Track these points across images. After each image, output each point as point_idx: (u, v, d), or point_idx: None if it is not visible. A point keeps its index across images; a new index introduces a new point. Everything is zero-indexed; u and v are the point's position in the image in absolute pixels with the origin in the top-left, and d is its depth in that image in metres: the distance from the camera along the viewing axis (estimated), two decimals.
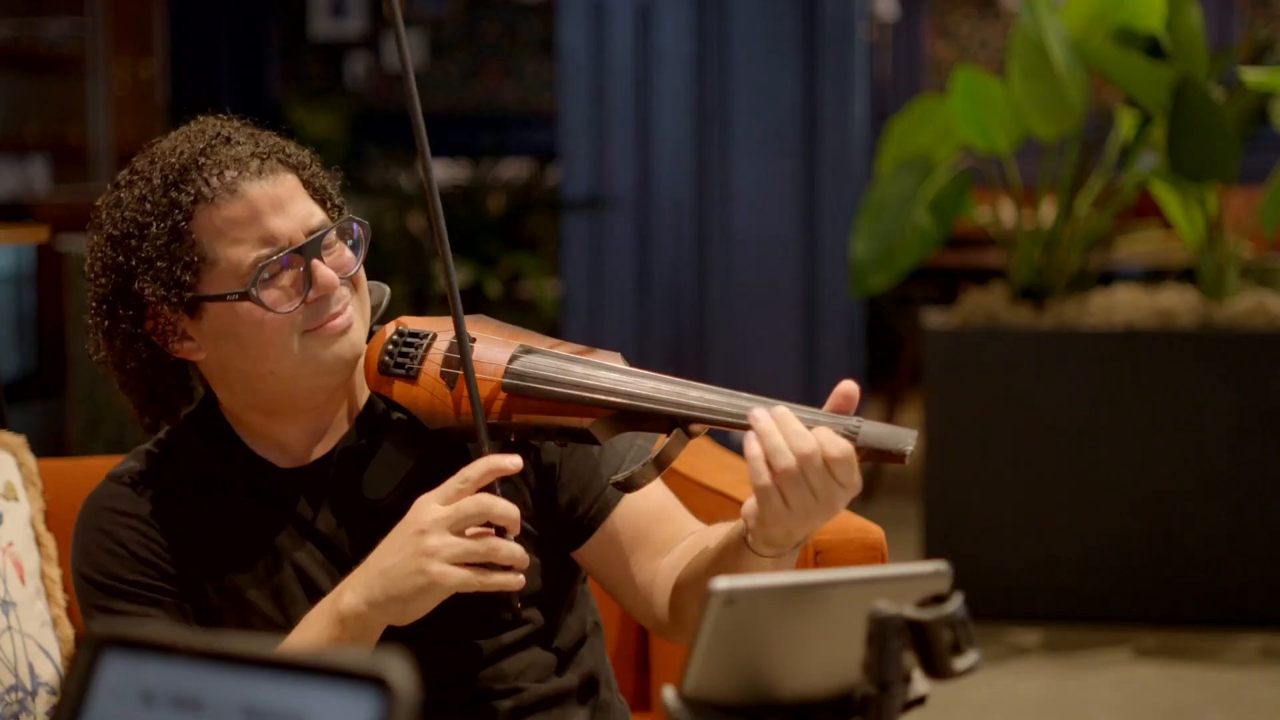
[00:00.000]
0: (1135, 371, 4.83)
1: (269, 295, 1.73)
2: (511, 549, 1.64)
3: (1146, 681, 4.39)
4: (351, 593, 1.66)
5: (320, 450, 1.83)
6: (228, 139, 1.76)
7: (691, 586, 1.73)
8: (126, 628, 1.71)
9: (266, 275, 1.73)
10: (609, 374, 1.68)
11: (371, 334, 1.81)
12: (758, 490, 1.57)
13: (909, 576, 1.29)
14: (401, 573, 1.63)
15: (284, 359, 1.75)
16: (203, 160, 1.73)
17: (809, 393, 5.86)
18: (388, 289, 1.86)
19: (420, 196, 7.42)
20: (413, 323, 1.77)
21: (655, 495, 1.86)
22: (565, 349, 1.72)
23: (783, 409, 1.58)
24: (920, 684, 1.27)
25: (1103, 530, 4.85)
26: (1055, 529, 4.86)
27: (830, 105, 5.78)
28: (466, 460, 1.70)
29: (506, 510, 1.64)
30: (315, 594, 1.79)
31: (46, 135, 8.87)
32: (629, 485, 1.66)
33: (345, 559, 1.80)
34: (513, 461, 1.67)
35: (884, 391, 7.31)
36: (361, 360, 1.79)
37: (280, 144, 1.79)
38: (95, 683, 0.89)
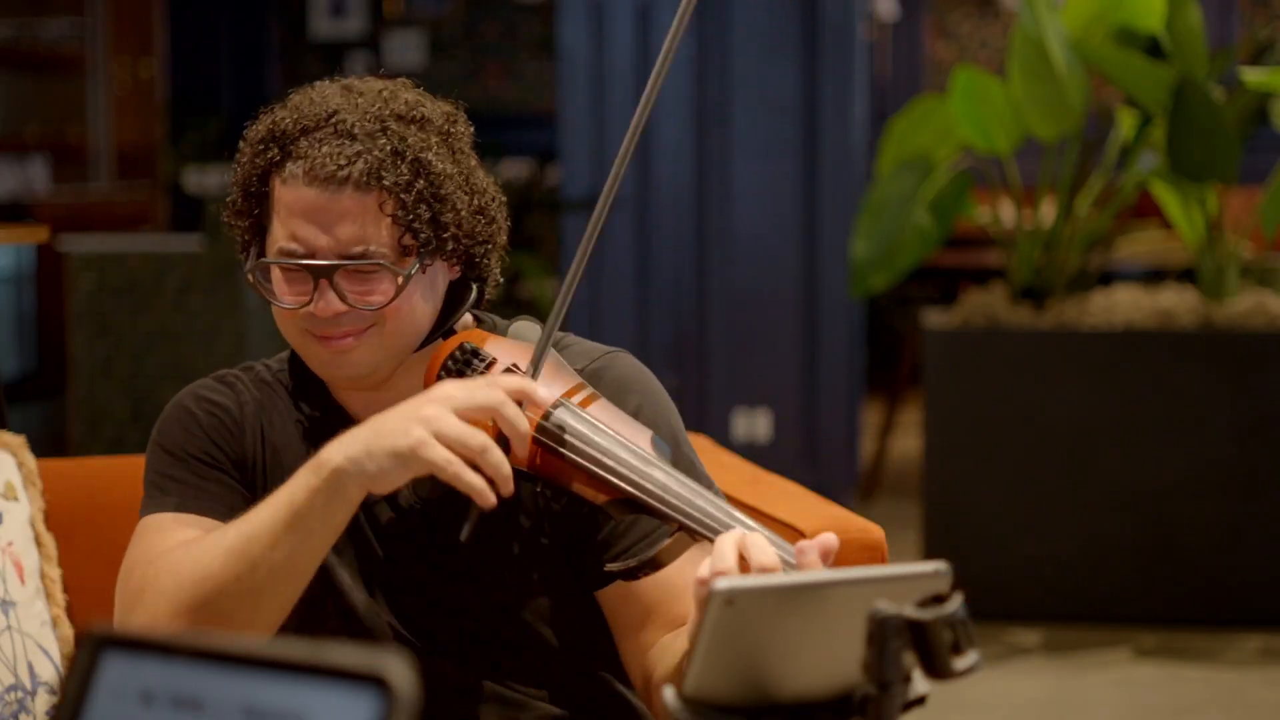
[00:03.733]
0: (1135, 371, 4.83)
1: (278, 285, 1.76)
2: (500, 460, 1.58)
3: (1146, 681, 4.39)
4: (337, 444, 1.62)
5: None
6: (336, 127, 1.74)
7: (662, 681, 1.71)
8: (183, 498, 1.79)
9: (286, 268, 1.75)
10: (632, 461, 1.65)
11: (449, 333, 1.82)
12: (695, 590, 1.51)
13: (909, 576, 1.29)
14: (388, 429, 1.59)
15: (292, 343, 1.81)
16: (300, 133, 1.75)
17: (809, 392, 5.87)
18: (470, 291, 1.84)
19: None
20: (478, 340, 1.76)
21: (684, 570, 1.79)
22: (604, 415, 1.69)
23: (758, 537, 1.54)
24: (920, 684, 1.27)
25: (1103, 530, 4.85)
26: (1055, 529, 4.86)
27: (830, 105, 5.78)
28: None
29: (515, 417, 1.60)
30: (354, 535, 1.81)
31: (46, 135, 8.87)
32: (627, 575, 1.68)
33: (373, 517, 1.83)
34: (543, 395, 1.65)
35: (884, 391, 7.31)
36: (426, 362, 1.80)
37: (387, 157, 1.74)
38: (95, 682, 0.89)
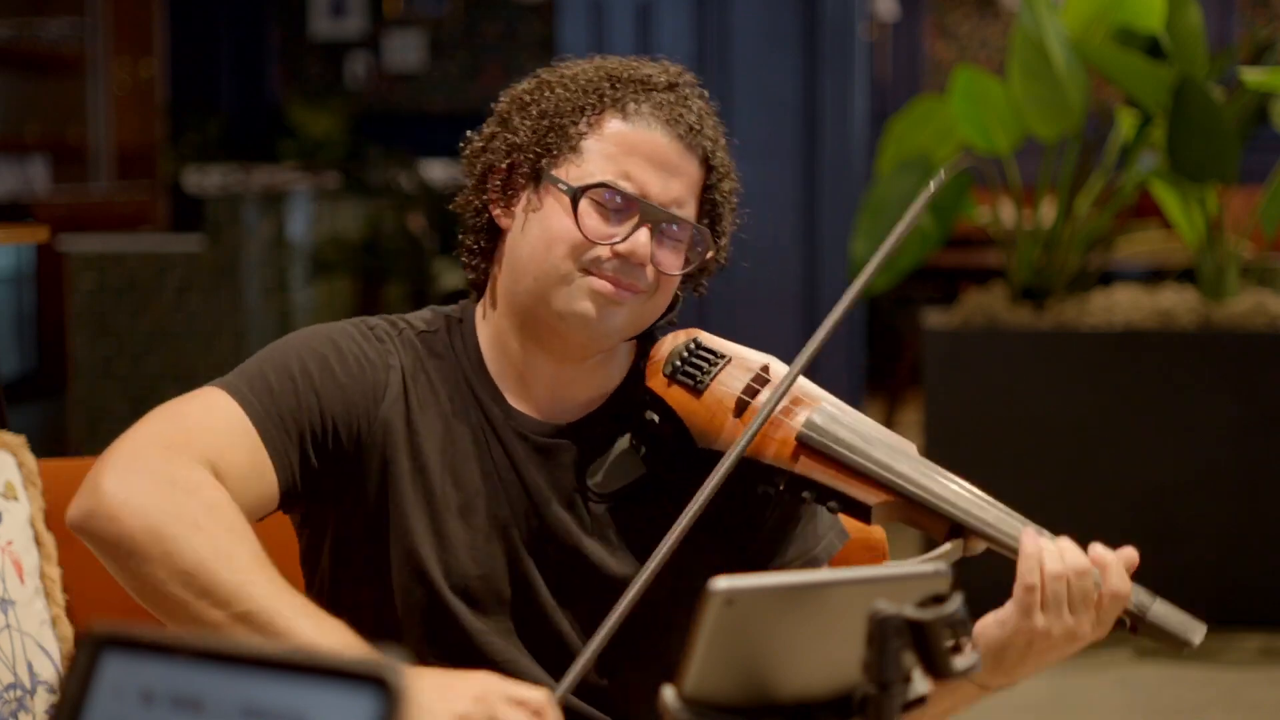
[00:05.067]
0: (1135, 371, 4.83)
1: (588, 212, 1.70)
2: None
3: (1147, 681, 4.39)
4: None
5: (561, 418, 1.77)
6: (684, 98, 1.76)
7: None
8: (264, 420, 1.65)
9: (603, 201, 1.71)
10: (911, 463, 1.67)
11: (655, 336, 1.79)
12: (1020, 597, 1.61)
13: (909, 576, 1.29)
14: (417, 700, 1.50)
15: (548, 274, 1.71)
16: (650, 87, 1.74)
17: None
18: (679, 296, 1.82)
19: (415, 196, 7.42)
20: (708, 339, 1.76)
21: None
22: (864, 421, 1.70)
23: (1065, 544, 1.64)
24: (920, 684, 1.27)
25: (1103, 530, 4.83)
26: (1055, 529, 4.85)
27: (830, 105, 5.78)
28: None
29: None
30: (500, 527, 1.73)
31: (46, 135, 8.87)
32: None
33: (540, 524, 1.74)
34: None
35: (884, 391, 7.32)
36: (626, 351, 1.79)
37: (714, 139, 1.78)
38: (95, 682, 0.89)
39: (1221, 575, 4.81)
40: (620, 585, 1.66)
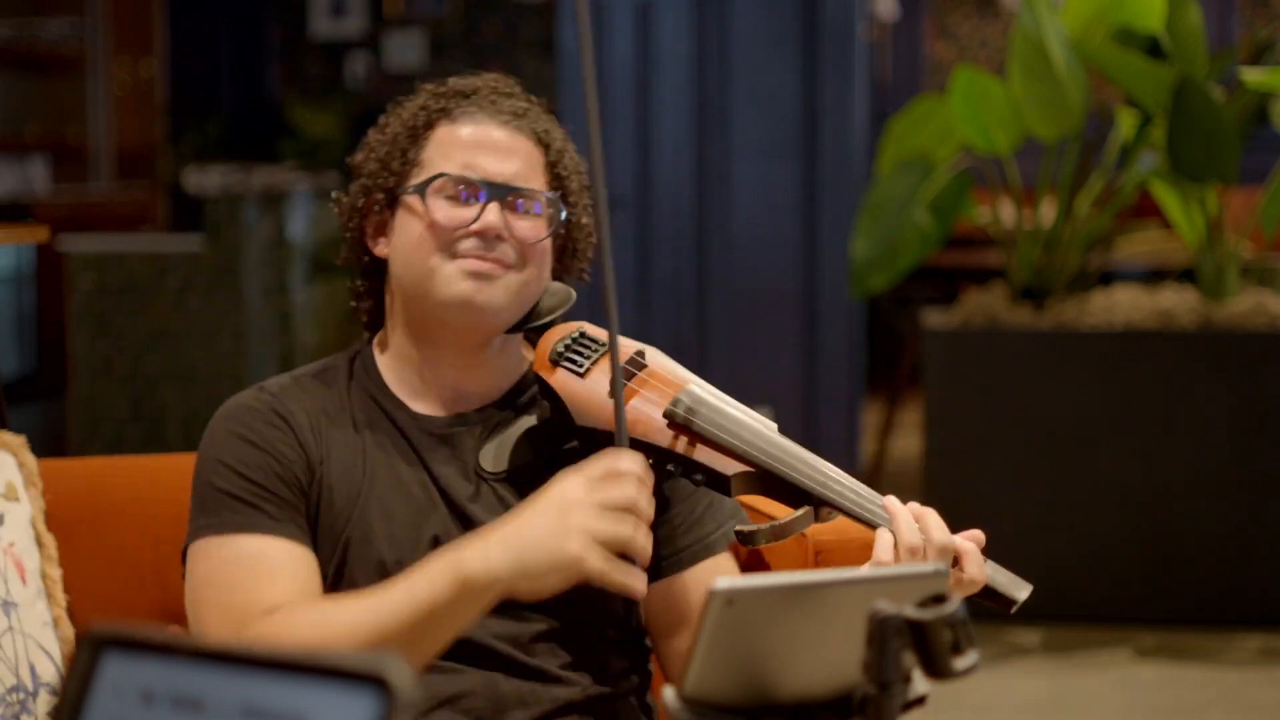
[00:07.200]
0: (1135, 371, 4.83)
1: (435, 201, 1.84)
2: (647, 541, 1.61)
3: (1146, 681, 4.39)
4: (480, 559, 1.62)
5: (462, 410, 1.90)
6: (507, 94, 1.91)
7: None
8: (263, 521, 1.78)
9: (447, 190, 1.84)
10: (767, 435, 1.75)
11: (549, 326, 1.89)
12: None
13: (909, 576, 1.30)
14: (542, 547, 1.60)
15: (422, 272, 1.84)
16: (468, 92, 1.90)
17: (809, 392, 5.86)
18: (573, 293, 1.93)
19: None
20: (593, 330, 1.87)
21: (733, 570, 1.90)
22: (728, 402, 1.79)
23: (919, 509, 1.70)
24: (920, 684, 1.27)
25: (1103, 530, 4.85)
26: (1055, 529, 4.86)
27: (830, 105, 5.78)
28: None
29: (648, 507, 1.62)
30: (416, 512, 1.84)
31: (46, 135, 8.87)
32: (749, 539, 1.72)
33: (448, 504, 1.85)
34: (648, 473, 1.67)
35: (884, 391, 7.31)
36: (519, 347, 1.92)
37: (545, 124, 1.91)
38: (95, 682, 0.89)
39: (1221, 575, 4.81)
40: None
